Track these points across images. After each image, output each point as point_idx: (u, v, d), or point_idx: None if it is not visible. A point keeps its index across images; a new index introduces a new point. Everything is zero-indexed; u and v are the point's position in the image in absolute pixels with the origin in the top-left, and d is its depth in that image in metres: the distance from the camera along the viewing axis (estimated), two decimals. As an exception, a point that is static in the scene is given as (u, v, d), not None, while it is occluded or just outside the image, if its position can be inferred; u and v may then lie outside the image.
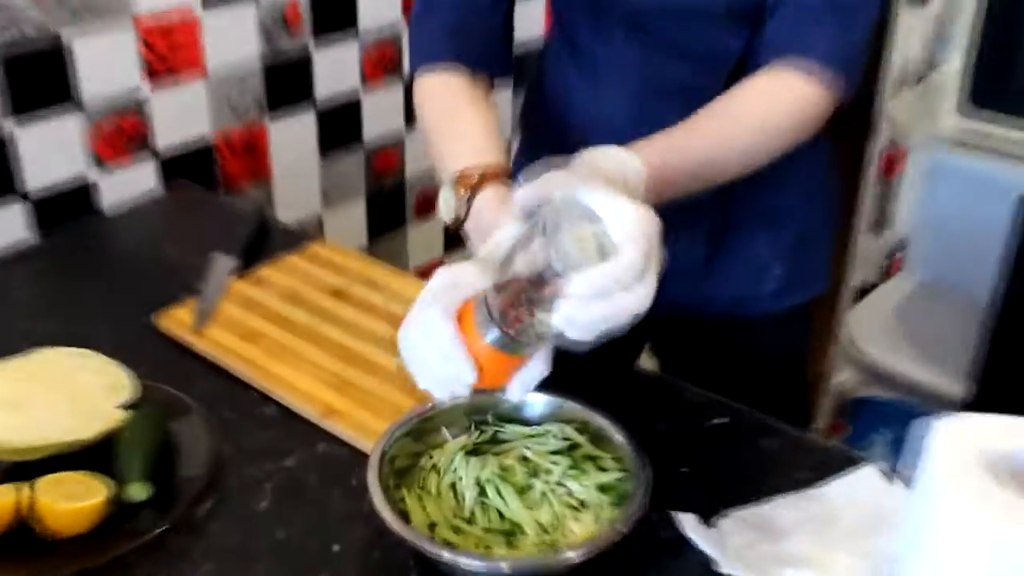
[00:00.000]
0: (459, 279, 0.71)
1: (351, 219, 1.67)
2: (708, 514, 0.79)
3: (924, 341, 1.78)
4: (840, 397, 1.89)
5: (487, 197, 0.81)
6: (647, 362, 1.17)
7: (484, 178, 0.81)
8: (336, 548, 0.77)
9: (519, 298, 0.67)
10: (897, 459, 1.38)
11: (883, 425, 1.71)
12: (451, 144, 0.87)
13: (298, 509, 0.80)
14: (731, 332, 1.07)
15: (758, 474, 0.84)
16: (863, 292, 2.03)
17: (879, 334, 1.82)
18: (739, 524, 0.79)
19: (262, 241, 1.16)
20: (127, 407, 0.85)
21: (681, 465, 0.85)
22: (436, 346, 0.69)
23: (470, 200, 0.80)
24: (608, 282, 0.64)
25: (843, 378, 1.82)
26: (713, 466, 0.86)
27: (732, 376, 1.04)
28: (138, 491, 0.79)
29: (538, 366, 0.72)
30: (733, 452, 0.87)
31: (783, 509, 0.81)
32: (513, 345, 0.69)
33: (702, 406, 0.93)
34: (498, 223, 0.74)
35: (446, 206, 0.82)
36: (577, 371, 0.77)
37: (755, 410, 0.92)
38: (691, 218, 0.93)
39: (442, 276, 0.72)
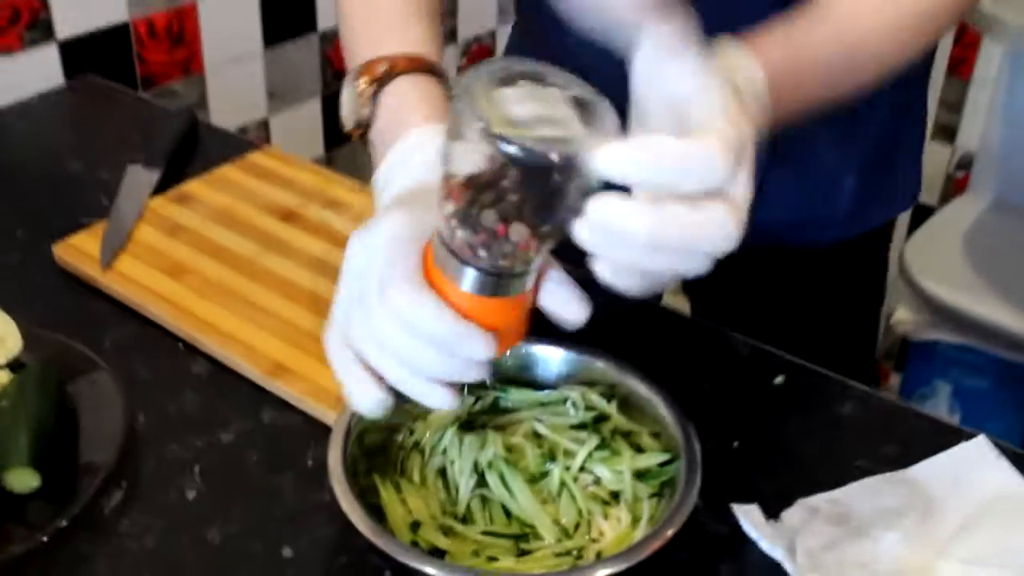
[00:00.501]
0: (397, 228, 0.57)
1: (303, 124, 1.61)
2: (770, 503, 0.70)
3: (994, 274, 1.70)
4: (891, 340, 1.82)
5: (400, 91, 0.70)
6: (673, 303, 1.06)
7: (395, 67, 0.70)
8: (287, 552, 0.67)
9: (479, 213, 0.53)
10: (960, 415, 1.26)
11: (941, 375, 1.65)
12: (362, 29, 0.76)
13: (237, 500, 0.71)
14: (785, 266, 0.97)
15: (830, 449, 0.76)
16: (921, 214, 1.96)
17: (940, 265, 1.73)
18: (811, 517, 0.70)
19: (190, 149, 1.09)
20: (9, 367, 0.77)
21: (732, 438, 0.76)
22: (423, 331, 0.54)
23: (375, 96, 0.70)
24: (674, 165, 0.48)
25: (896, 318, 1.74)
26: (772, 439, 0.77)
27: (784, 322, 0.93)
28: (22, 479, 0.69)
29: (560, 283, 0.58)
30: (797, 421, 0.79)
31: (867, 497, 0.72)
32: (503, 281, 0.55)
33: (754, 361, 0.84)
34: (416, 124, 0.65)
35: (347, 105, 0.73)
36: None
37: (818, 366, 0.84)
38: None
39: (372, 235, 0.58)
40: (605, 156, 0.48)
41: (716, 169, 0.48)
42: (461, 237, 0.53)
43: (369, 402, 0.58)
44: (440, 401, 0.57)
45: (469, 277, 0.54)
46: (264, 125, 1.54)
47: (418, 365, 0.55)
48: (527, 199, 0.51)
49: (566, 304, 0.57)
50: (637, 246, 0.49)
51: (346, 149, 1.68)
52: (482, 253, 0.53)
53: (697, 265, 0.51)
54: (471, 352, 0.55)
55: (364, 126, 0.72)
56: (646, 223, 0.48)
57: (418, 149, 0.66)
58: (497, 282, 0.55)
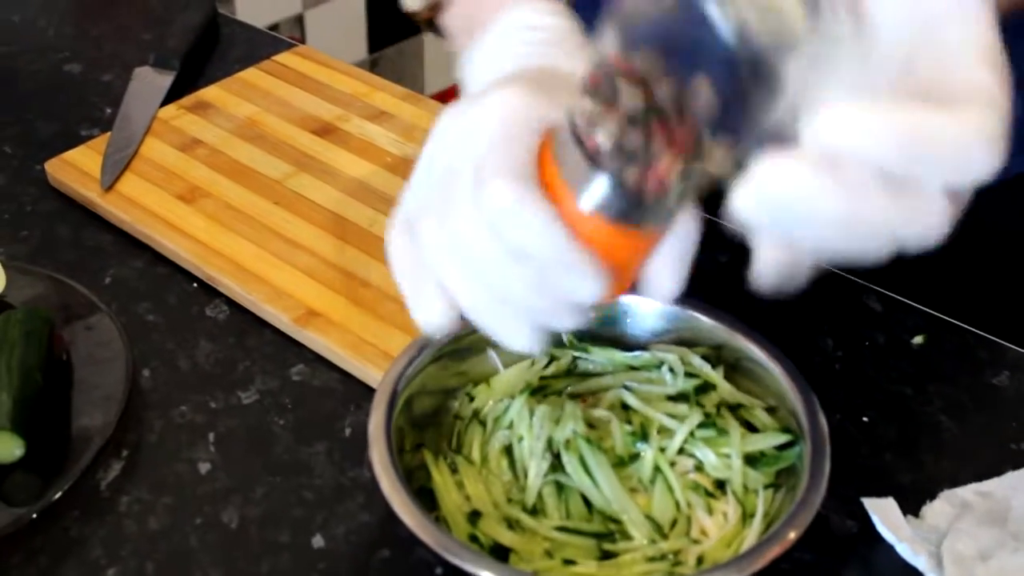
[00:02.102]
0: (512, 107, 0.50)
1: (345, 22, 1.56)
2: (908, 495, 0.65)
3: None
4: None
5: None
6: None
7: None
8: (318, 542, 0.63)
9: (642, 107, 0.44)
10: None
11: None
12: None
13: (258, 477, 0.67)
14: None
15: (983, 428, 0.71)
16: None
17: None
18: (961, 514, 0.65)
19: (210, 48, 1.06)
20: (-10, 309, 0.74)
21: (860, 412, 0.71)
22: (522, 245, 0.47)
23: None
24: (935, 152, 0.39)
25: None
26: (910, 414, 0.72)
27: (926, 271, 0.87)
28: (4, 446, 0.66)
29: (687, 234, 0.52)
30: (941, 391, 0.73)
31: None
32: (640, 207, 0.47)
33: (888, 317, 0.79)
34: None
35: None
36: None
37: (965, 324, 0.78)
38: None
39: (477, 110, 0.50)
40: (835, 119, 0.39)
41: (982, 164, 0.40)
42: (605, 134, 0.45)
43: (435, 322, 0.52)
44: (521, 341, 0.50)
45: (600, 189, 0.46)
46: (299, 21, 1.51)
47: (503, 290, 0.48)
48: (713, 97, 0.43)
49: (665, 267, 0.51)
50: (818, 227, 0.41)
51: (393, 51, 1.65)
52: (626, 162, 0.45)
53: (877, 253, 0.44)
54: (576, 287, 0.47)
55: (436, 4, 0.65)
56: (839, 202, 0.40)
57: (528, 29, 0.59)
58: (633, 205, 0.47)
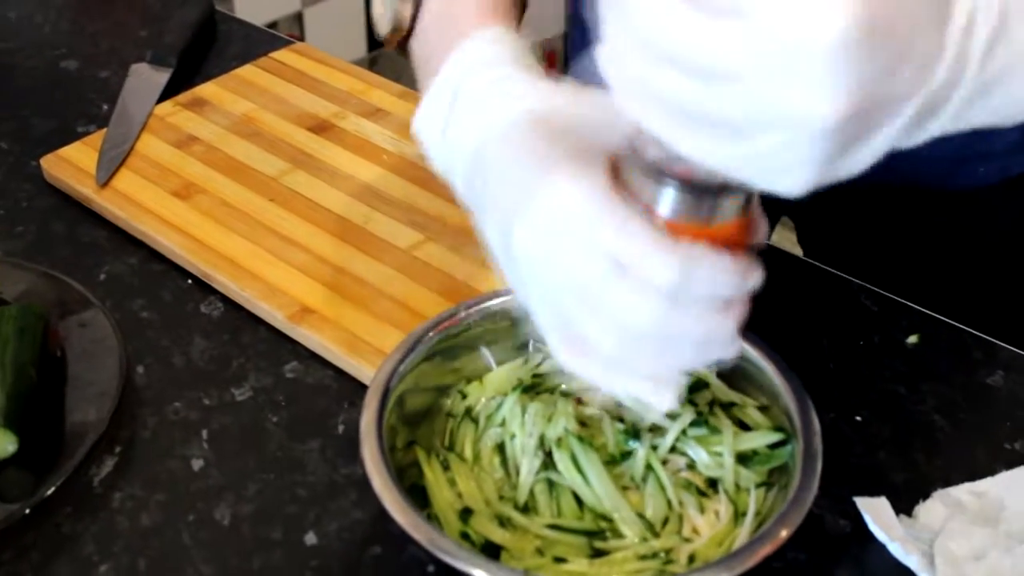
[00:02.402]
0: (587, 188, 0.48)
1: (343, 20, 1.56)
2: (901, 494, 0.66)
3: None
4: None
5: None
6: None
7: None
8: (310, 539, 0.63)
9: None
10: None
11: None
12: None
13: (251, 474, 0.67)
14: (926, 209, 0.91)
15: (976, 427, 0.71)
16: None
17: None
18: (953, 514, 0.65)
19: (207, 45, 1.06)
20: (-16, 304, 0.74)
21: (854, 411, 0.71)
22: (695, 290, 0.47)
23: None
24: None
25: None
26: (904, 413, 0.72)
27: (921, 274, 0.87)
28: None
29: (759, 220, 0.52)
30: (936, 390, 0.73)
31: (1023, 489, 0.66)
32: (712, 197, 0.47)
33: (883, 316, 0.78)
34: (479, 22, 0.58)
35: (380, 6, 0.66)
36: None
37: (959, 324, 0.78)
38: None
39: (555, 212, 0.49)
40: None
41: None
42: (655, 144, 0.46)
43: (674, 398, 0.51)
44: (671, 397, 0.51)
45: (670, 194, 0.47)
46: (297, 19, 1.51)
47: (715, 332, 0.49)
48: None
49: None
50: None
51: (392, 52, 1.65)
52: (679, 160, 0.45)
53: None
54: (738, 287, 0.48)
55: (404, 29, 0.65)
56: None
57: (495, 79, 0.57)
58: (705, 199, 0.47)
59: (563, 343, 0.51)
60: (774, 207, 1.02)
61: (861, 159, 0.42)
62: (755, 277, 0.48)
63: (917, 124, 0.42)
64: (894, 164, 0.86)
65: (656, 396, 0.50)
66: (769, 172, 0.41)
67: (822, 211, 0.98)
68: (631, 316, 0.47)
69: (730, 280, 0.47)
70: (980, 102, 0.43)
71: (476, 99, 0.56)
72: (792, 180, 0.41)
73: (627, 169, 0.48)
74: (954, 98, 0.42)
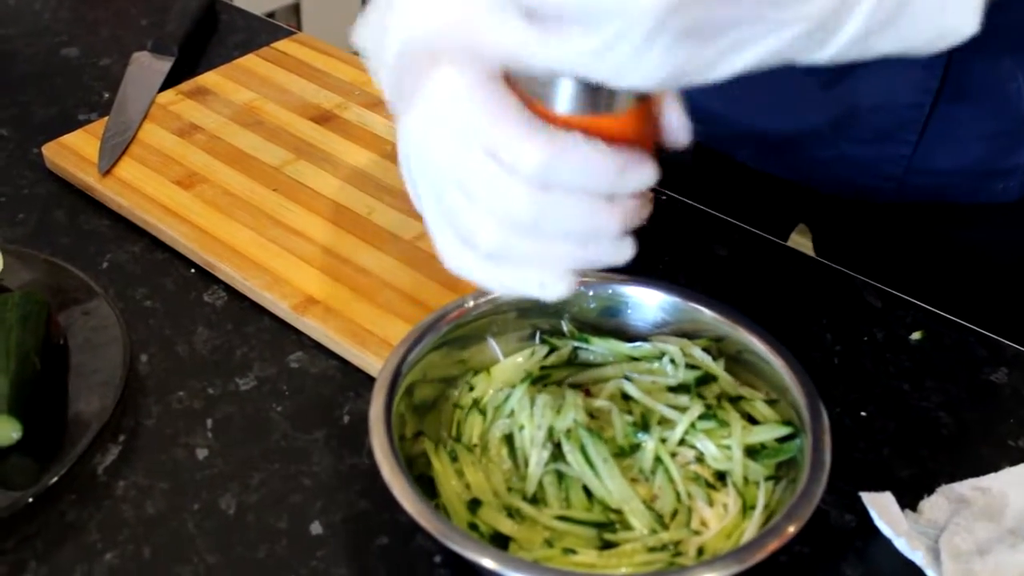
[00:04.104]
0: (469, 77, 0.48)
1: (341, 11, 1.53)
2: (905, 489, 0.65)
3: None
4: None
5: None
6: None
7: None
8: (316, 529, 0.63)
9: None
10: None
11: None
12: None
13: (256, 463, 0.66)
14: (944, 223, 0.91)
15: (980, 424, 0.70)
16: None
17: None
18: (958, 510, 0.65)
19: (208, 34, 1.05)
20: (-13, 291, 0.72)
21: (859, 407, 0.71)
22: (580, 180, 0.47)
23: None
24: None
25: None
26: (908, 409, 0.71)
27: (933, 285, 0.87)
28: (1, 429, 0.65)
29: (671, 105, 0.52)
30: (938, 387, 0.73)
31: None
32: (594, 94, 0.48)
33: (888, 313, 0.78)
34: None
35: None
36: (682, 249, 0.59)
37: (963, 321, 0.78)
38: None
39: (444, 100, 0.49)
40: None
41: None
42: None
43: (567, 285, 0.51)
44: (568, 259, 0.50)
45: (566, 90, 0.47)
46: (295, 10, 1.49)
47: (593, 226, 0.49)
48: None
49: (672, 116, 0.52)
50: None
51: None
52: None
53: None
54: (633, 181, 0.48)
55: None
56: None
57: None
58: (594, 92, 0.47)
59: (447, 240, 0.51)
60: (791, 213, 1.01)
61: (723, 62, 0.43)
62: (639, 174, 0.48)
63: (807, 41, 0.43)
64: (912, 178, 0.86)
65: (542, 289, 0.50)
66: (615, 67, 0.42)
67: (839, 220, 0.98)
68: (503, 202, 0.47)
69: (605, 171, 0.47)
70: (888, 29, 0.43)
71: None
72: (639, 73, 0.42)
73: (519, 75, 0.48)
74: (850, 20, 0.42)
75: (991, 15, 0.47)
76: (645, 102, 0.50)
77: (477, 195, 0.48)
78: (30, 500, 0.62)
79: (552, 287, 0.50)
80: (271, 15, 1.45)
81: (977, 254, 0.92)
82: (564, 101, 0.48)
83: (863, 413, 0.70)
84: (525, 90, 0.48)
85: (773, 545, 0.54)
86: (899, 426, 0.70)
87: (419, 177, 0.51)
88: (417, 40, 0.50)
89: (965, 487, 0.65)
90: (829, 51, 0.44)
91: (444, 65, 0.48)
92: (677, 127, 0.51)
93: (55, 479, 0.63)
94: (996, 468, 0.66)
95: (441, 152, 0.49)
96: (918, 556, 0.61)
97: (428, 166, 0.50)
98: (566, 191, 0.47)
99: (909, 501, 0.64)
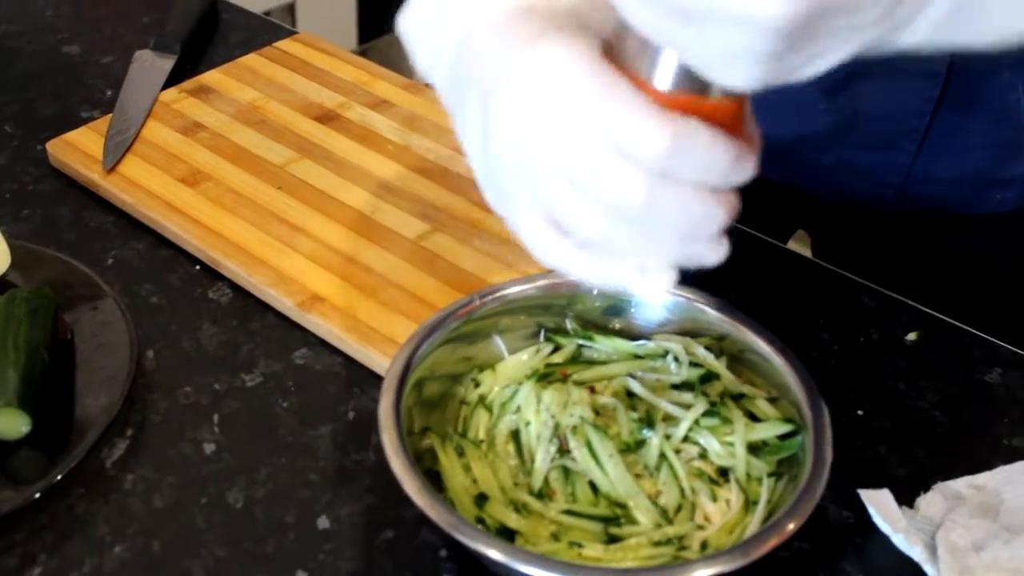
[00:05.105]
0: (574, 48, 0.45)
1: (335, 12, 1.55)
2: (902, 486, 0.66)
3: None
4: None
5: None
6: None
7: None
8: (323, 523, 0.63)
9: None
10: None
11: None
12: None
13: (263, 458, 0.67)
14: (941, 231, 0.91)
15: (975, 423, 0.71)
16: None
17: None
18: (954, 506, 0.65)
19: (210, 33, 1.06)
20: (-5, 287, 0.72)
21: (856, 405, 0.72)
22: (696, 167, 0.44)
23: None
24: None
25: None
26: (904, 408, 0.72)
27: (930, 290, 0.87)
28: (11, 423, 0.65)
29: (753, 120, 0.48)
30: (934, 386, 0.73)
31: (1022, 484, 0.67)
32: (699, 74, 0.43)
33: (884, 314, 0.79)
34: None
35: None
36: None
37: (967, 326, 0.78)
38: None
39: (545, 72, 0.45)
40: None
41: None
42: None
43: (670, 278, 0.48)
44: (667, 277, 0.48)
45: (665, 64, 0.43)
46: (289, 10, 1.50)
47: (701, 219, 0.45)
48: None
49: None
50: None
51: (383, 42, 1.63)
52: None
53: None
54: (734, 172, 0.44)
55: None
56: None
57: None
58: (700, 79, 0.43)
59: (538, 229, 0.48)
60: (790, 219, 1.02)
61: (816, 62, 0.40)
62: (747, 166, 0.44)
63: (885, 34, 0.41)
64: (912, 187, 0.86)
65: (644, 281, 0.47)
66: (718, 59, 0.40)
67: (838, 227, 0.98)
68: (615, 190, 0.43)
69: (722, 161, 0.43)
70: (962, 22, 0.41)
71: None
72: (740, 72, 0.39)
73: (621, 46, 0.45)
74: (926, 14, 0.40)
75: None
76: (745, 98, 0.47)
77: (582, 182, 0.44)
78: (39, 494, 0.62)
79: (653, 279, 0.47)
80: (266, 14, 1.46)
81: (973, 261, 0.92)
82: (667, 77, 0.43)
83: (860, 412, 0.71)
84: (622, 62, 0.45)
85: (775, 540, 0.54)
86: (895, 425, 0.70)
87: (507, 163, 0.47)
88: (501, 18, 0.48)
89: (961, 484, 0.66)
90: (901, 42, 0.42)
91: (546, 44, 0.45)
92: (755, 131, 0.48)
93: (64, 473, 0.63)
94: (990, 466, 0.67)
95: (542, 136, 0.45)
96: (916, 552, 0.62)
97: (522, 150, 0.46)
98: (681, 181, 0.44)
99: (906, 498, 0.65)
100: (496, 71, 0.47)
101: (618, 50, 0.45)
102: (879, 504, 0.64)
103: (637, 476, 0.61)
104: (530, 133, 0.45)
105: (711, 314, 0.66)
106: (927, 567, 0.61)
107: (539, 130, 0.45)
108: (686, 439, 0.62)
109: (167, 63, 0.98)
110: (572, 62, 0.44)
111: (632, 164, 0.43)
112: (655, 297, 0.66)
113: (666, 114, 0.42)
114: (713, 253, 0.47)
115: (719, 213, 0.45)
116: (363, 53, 1.65)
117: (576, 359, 0.66)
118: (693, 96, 0.43)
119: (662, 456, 0.61)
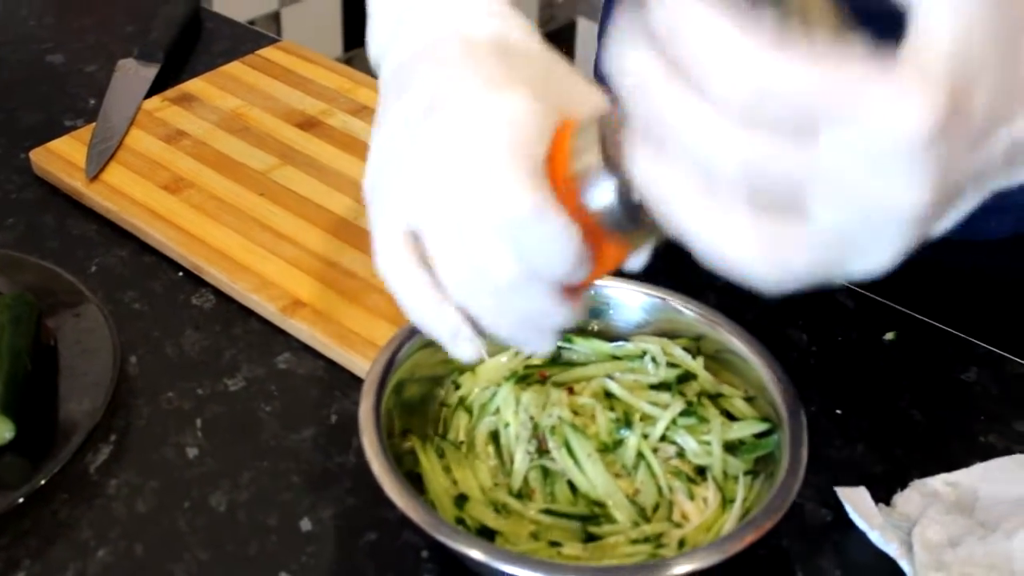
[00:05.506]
0: (522, 116, 0.47)
1: (320, 20, 1.55)
2: (879, 483, 0.66)
3: None
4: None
5: None
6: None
7: None
8: (305, 525, 0.63)
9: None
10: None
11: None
12: None
13: (245, 461, 0.67)
14: (934, 254, 0.89)
15: (951, 421, 0.71)
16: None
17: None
18: (930, 503, 0.65)
19: (192, 41, 1.05)
20: (-23, 294, 0.72)
21: (834, 404, 0.72)
22: (545, 262, 0.46)
23: None
24: None
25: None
26: (881, 407, 0.72)
27: (905, 284, 0.86)
28: None
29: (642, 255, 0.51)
30: (913, 386, 0.74)
31: (996, 481, 0.67)
32: (635, 223, 0.46)
33: (861, 313, 0.79)
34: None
35: None
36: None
37: (944, 326, 0.79)
38: None
39: (485, 122, 0.47)
40: None
41: None
42: (630, 143, 0.40)
43: (477, 353, 0.51)
44: (546, 347, 0.50)
45: (607, 195, 0.44)
46: (275, 19, 1.50)
47: (528, 309, 0.48)
48: None
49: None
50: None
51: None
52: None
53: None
54: (578, 276, 0.46)
55: None
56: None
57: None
58: (631, 219, 0.45)
59: (393, 236, 0.51)
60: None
61: (945, 223, 0.40)
62: (583, 272, 0.47)
63: (1008, 177, 0.40)
64: None
65: (452, 345, 0.51)
66: (844, 256, 0.38)
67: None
68: (474, 249, 0.46)
69: (565, 258, 0.45)
70: None
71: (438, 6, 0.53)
72: (872, 261, 0.38)
73: (584, 132, 0.45)
74: None
75: None
76: (634, 247, 0.49)
77: (454, 230, 0.48)
78: (23, 499, 0.62)
79: (461, 346, 0.51)
80: (251, 23, 1.46)
81: (964, 277, 0.91)
82: (598, 197, 0.45)
83: (838, 411, 0.71)
84: (571, 146, 0.46)
85: (751, 537, 0.55)
86: (873, 424, 0.71)
87: (408, 166, 0.50)
88: (478, 48, 0.50)
89: (937, 482, 0.66)
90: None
91: (506, 99, 0.48)
92: (636, 260, 0.51)
93: (47, 478, 0.63)
94: (966, 463, 0.67)
95: (450, 171, 0.48)
96: (892, 548, 0.62)
97: (428, 166, 0.49)
98: (529, 263, 0.47)
99: (883, 496, 0.65)
100: (454, 90, 0.49)
101: (580, 134, 0.46)
102: (856, 502, 0.65)
103: (615, 475, 0.61)
104: (444, 161, 0.47)
105: (688, 315, 0.66)
106: (903, 563, 0.62)
107: (452, 164, 0.47)
108: (663, 438, 0.63)
109: (150, 72, 0.98)
110: (514, 130, 0.46)
111: (501, 240, 0.45)
112: (632, 298, 0.67)
113: (543, 194, 0.44)
114: (539, 347, 0.50)
115: (560, 312, 0.47)
116: (348, 61, 1.65)
117: (555, 361, 0.67)
118: (606, 226, 0.45)
119: (640, 455, 0.61)
